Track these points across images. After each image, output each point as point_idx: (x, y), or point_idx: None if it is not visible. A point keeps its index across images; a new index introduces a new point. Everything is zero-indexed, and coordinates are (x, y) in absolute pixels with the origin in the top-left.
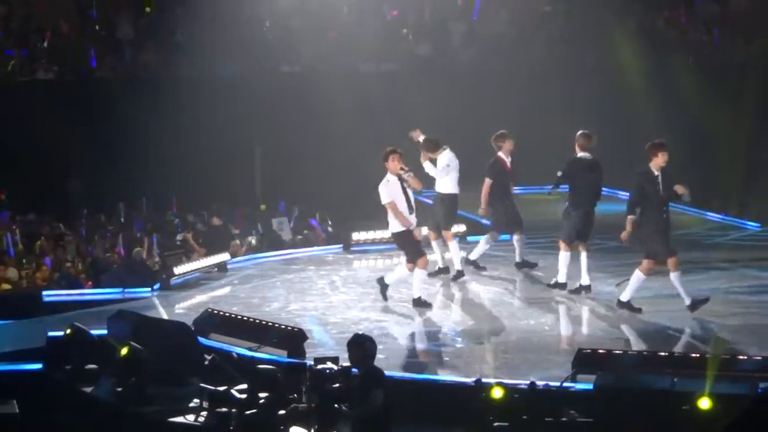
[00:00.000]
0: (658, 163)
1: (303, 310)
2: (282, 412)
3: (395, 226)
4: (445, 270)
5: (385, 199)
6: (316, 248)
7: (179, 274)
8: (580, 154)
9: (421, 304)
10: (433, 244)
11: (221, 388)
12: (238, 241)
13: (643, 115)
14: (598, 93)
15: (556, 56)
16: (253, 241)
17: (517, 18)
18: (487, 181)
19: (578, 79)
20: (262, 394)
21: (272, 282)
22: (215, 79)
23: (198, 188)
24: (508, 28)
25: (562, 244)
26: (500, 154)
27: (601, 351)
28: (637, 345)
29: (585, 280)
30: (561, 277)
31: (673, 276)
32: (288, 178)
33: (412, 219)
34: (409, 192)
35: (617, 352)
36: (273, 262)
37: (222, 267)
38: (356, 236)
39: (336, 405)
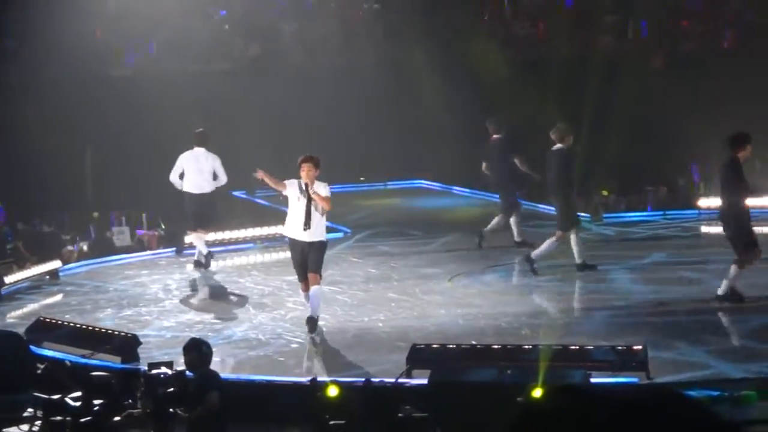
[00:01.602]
0: (744, 155)
1: (137, 315)
2: (117, 418)
3: None
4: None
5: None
6: (148, 252)
7: (9, 284)
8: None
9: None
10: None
11: (55, 397)
12: (70, 247)
13: (475, 109)
14: (430, 89)
15: (384, 54)
16: (85, 247)
17: (344, 17)
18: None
19: (408, 76)
20: (96, 401)
21: (105, 288)
22: (43, 83)
23: (27, 194)
24: (336, 26)
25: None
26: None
27: (435, 346)
28: (470, 339)
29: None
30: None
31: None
32: (119, 181)
33: (300, 232)
34: (313, 206)
35: (451, 346)
36: (105, 268)
37: (54, 274)
38: (189, 239)
39: (171, 409)
